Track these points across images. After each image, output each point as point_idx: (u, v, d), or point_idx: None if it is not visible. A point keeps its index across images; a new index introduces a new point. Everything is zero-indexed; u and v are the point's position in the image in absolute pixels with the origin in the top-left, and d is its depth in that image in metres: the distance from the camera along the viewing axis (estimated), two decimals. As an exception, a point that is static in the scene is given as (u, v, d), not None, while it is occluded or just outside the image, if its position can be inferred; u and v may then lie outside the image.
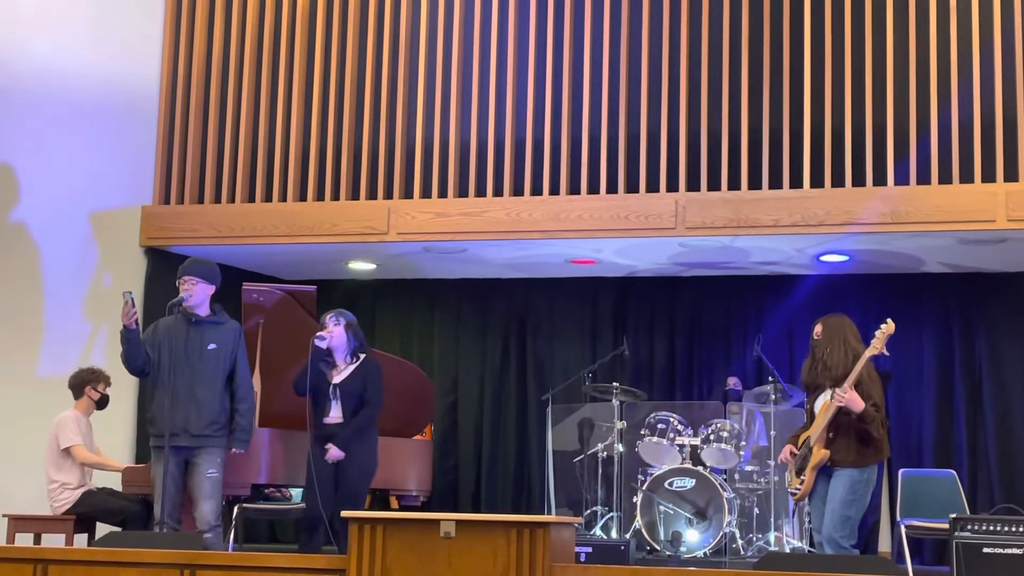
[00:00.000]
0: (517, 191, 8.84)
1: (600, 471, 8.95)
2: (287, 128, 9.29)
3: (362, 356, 7.14)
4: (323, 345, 6.96)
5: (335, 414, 6.99)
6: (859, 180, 8.27)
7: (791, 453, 6.47)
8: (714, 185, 8.50)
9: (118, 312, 6.60)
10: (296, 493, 8.25)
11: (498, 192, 8.86)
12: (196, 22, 9.50)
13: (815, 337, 6.44)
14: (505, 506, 10.01)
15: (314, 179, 9.18)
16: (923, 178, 8.17)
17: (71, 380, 7.75)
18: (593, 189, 8.71)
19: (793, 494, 6.51)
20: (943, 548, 8.45)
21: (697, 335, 10.07)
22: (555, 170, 8.80)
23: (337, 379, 7.02)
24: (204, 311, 6.77)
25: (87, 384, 7.72)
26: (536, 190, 8.81)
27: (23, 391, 8.57)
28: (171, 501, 6.57)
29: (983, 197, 7.96)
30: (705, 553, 8.26)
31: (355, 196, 9.11)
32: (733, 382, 9.42)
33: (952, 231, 8.15)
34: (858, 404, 6.13)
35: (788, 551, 8.19)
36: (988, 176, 8.05)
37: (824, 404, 6.33)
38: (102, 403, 7.79)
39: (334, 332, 7.02)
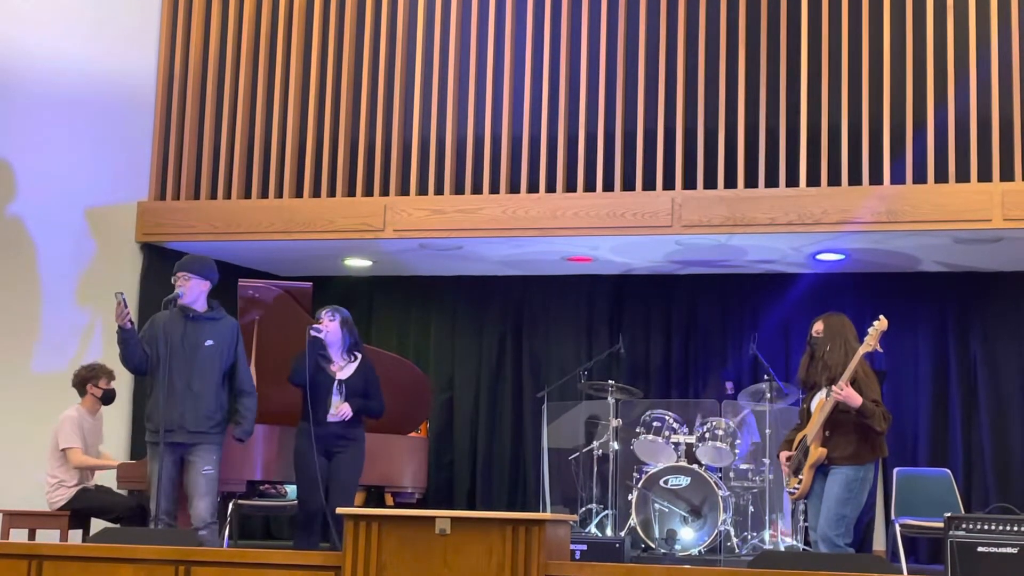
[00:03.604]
0: (513, 188, 8.84)
1: (595, 469, 8.94)
2: (283, 124, 9.29)
3: (359, 355, 7.13)
4: (321, 336, 6.95)
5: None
6: (855, 179, 8.27)
7: (786, 458, 6.48)
8: (710, 183, 8.50)
9: (114, 308, 6.59)
10: (291, 490, 8.24)
11: (494, 189, 8.85)
12: (192, 17, 9.50)
13: (814, 335, 6.45)
14: (500, 503, 10.01)
15: (310, 175, 9.17)
16: (919, 177, 8.18)
17: (73, 379, 7.74)
18: (589, 187, 8.71)
19: (791, 493, 6.51)
20: (938, 547, 8.45)
21: (693, 333, 10.07)
22: (551, 167, 8.80)
23: (342, 375, 7.02)
24: (201, 307, 6.77)
25: (86, 382, 7.70)
26: (532, 187, 8.81)
27: (19, 387, 8.56)
28: (167, 498, 6.56)
29: (979, 196, 7.97)
30: (700, 551, 8.27)
31: (351, 193, 9.10)
32: (729, 386, 9.42)
33: (948, 230, 8.16)
34: (855, 400, 6.14)
35: (783, 549, 8.19)
36: (984, 175, 8.06)
37: (820, 402, 6.34)
38: (107, 399, 7.77)
39: (330, 327, 7.02)
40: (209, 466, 6.62)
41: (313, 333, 6.94)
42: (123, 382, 8.55)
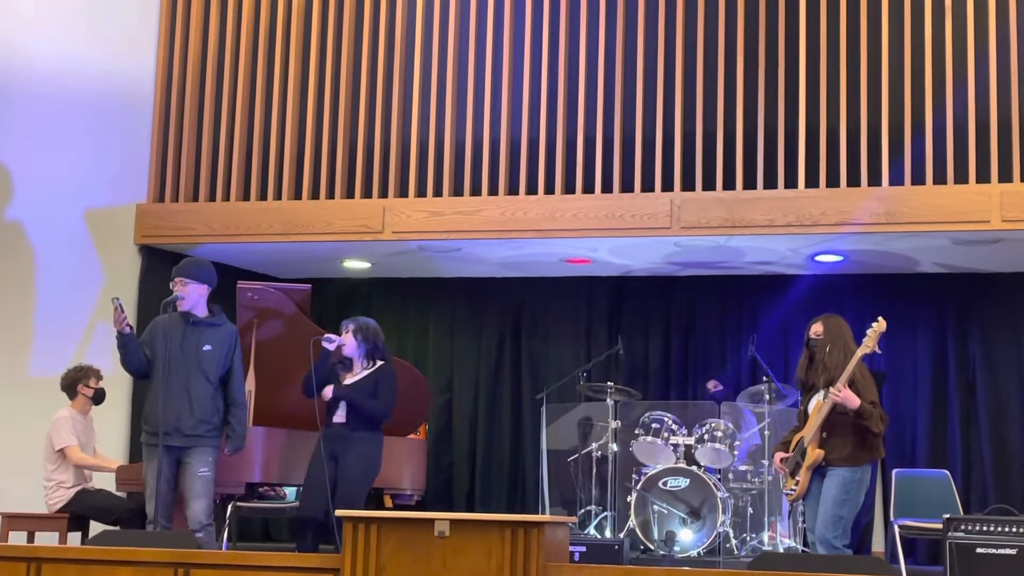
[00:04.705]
0: (512, 190, 8.84)
1: (594, 470, 8.94)
2: (282, 126, 9.29)
3: (379, 362, 7.13)
4: (329, 347, 6.96)
5: (341, 414, 6.99)
6: (854, 180, 8.28)
7: (781, 459, 6.48)
8: (709, 185, 8.50)
9: (112, 313, 6.60)
10: (290, 492, 8.24)
11: (493, 191, 8.86)
12: (191, 19, 9.49)
13: (813, 336, 6.45)
14: (499, 505, 10.01)
15: (309, 177, 9.17)
16: (918, 178, 8.18)
17: (62, 382, 7.74)
18: (588, 188, 8.71)
19: (788, 495, 6.51)
20: (937, 548, 8.45)
21: (692, 335, 10.08)
22: (550, 169, 8.80)
23: (348, 381, 7.03)
24: (201, 311, 6.77)
25: (78, 383, 7.71)
26: (531, 189, 8.81)
27: (17, 390, 8.56)
28: (163, 500, 6.57)
29: (978, 198, 7.97)
30: (699, 553, 8.27)
31: (350, 195, 9.10)
32: (712, 385, 9.42)
33: (946, 231, 8.16)
34: (853, 401, 6.15)
35: (782, 551, 8.19)
36: (983, 177, 8.06)
37: (818, 404, 6.34)
38: (98, 398, 7.78)
39: (344, 339, 7.04)
40: (205, 468, 6.63)
41: (324, 344, 6.95)
42: (121, 384, 8.56)
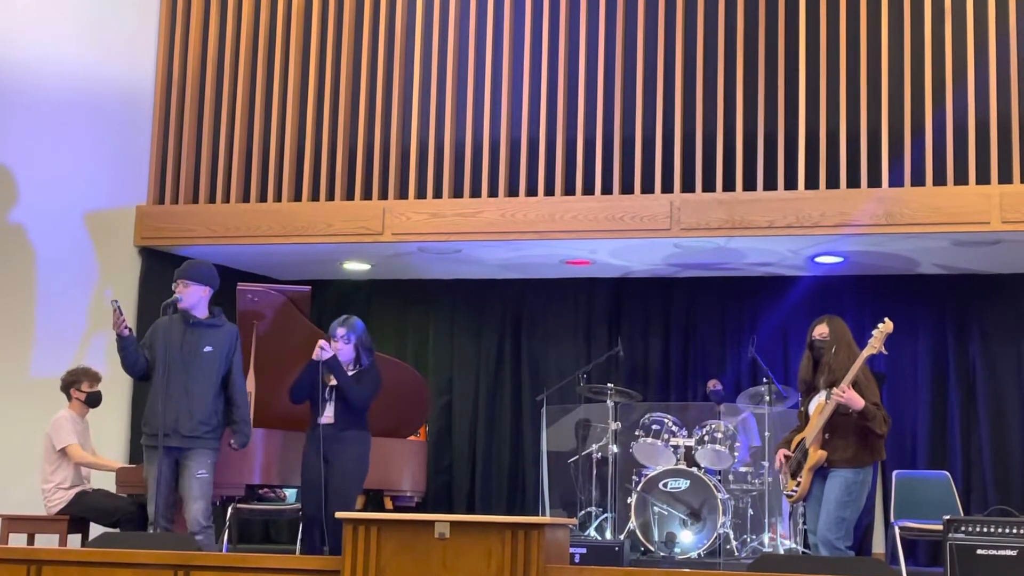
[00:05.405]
0: (512, 192, 8.84)
1: (594, 472, 8.94)
2: (282, 128, 9.29)
3: (366, 363, 7.12)
4: (320, 360, 6.91)
5: (328, 414, 6.98)
6: (854, 181, 8.28)
7: (784, 457, 6.48)
8: (709, 186, 8.50)
9: (111, 316, 6.59)
10: (290, 493, 8.24)
11: (493, 193, 8.86)
12: (191, 21, 9.49)
13: (818, 338, 6.43)
14: (500, 507, 10.01)
15: (309, 179, 9.17)
16: (918, 180, 8.18)
17: (60, 384, 7.76)
18: (588, 190, 8.71)
19: (789, 496, 6.51)
20: (937, 549, 8.45)
21: (692, 336, 10.07)
22: (550, 171, 8.80)
23: (334, 381, 7.01)
24: (201, 313, 6.77)
25: (71, 386, 7.72)
26: (531, 191, 8.81)
27: (17, 392, 8.55)
28: (164, 501, 6.57)
29: (977, 199, 7.97)
30: (699, 554, 8.27)
31: (350, 196, 9.10)
32: (713, 384, 9.42)
33: (946, 233, 8.16)
34: (857, 402, 6.15)
35: (782, 552, 8.19)
36: (983, 178, 8.06)
37: (819, 405, 6.33)
38: (92, 401, 7.76)
39: (342, 350, 7.01)
40: (203, 470, 6.62)
41: (323, 356, 6.89)
42: (121, 387, 8.56)
